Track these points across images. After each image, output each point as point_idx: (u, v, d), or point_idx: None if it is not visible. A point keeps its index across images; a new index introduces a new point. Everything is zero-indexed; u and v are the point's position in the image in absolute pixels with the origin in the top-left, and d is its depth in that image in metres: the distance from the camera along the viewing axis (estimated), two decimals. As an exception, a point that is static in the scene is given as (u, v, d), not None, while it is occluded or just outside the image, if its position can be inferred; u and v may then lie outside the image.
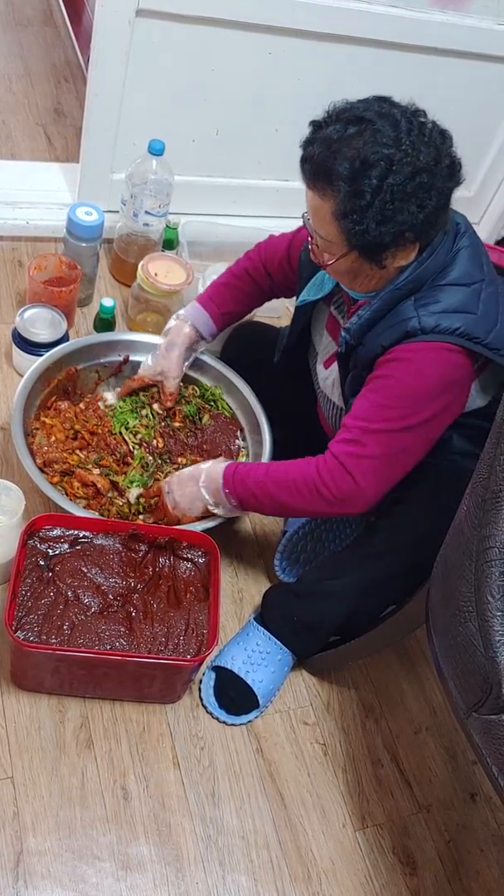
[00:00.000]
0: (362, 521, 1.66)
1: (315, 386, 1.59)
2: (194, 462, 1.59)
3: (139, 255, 1.95)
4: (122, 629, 1.34)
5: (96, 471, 1.57)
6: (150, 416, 1.67)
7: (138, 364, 1.71)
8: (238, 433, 1.71)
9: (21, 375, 1.64)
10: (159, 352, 1.65)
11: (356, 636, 1.46)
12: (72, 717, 1.38)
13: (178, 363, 1.64)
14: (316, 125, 1.23)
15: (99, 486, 1.54)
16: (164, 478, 1.55)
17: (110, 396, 1.75)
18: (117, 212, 2.01)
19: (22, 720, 1.36)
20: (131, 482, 1.58)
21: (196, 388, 1.74)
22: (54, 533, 1.40)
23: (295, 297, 1.53)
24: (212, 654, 1.46)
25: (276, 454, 1.59)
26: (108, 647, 1.31)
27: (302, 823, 1.38)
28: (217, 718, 1.44)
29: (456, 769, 1.51)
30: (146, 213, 1.95)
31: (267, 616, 1.48)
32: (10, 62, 2.57)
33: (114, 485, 1.57)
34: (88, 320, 1.97)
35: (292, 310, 1.59)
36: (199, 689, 1.46)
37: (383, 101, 1.22)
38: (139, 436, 1.64)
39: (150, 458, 1.62)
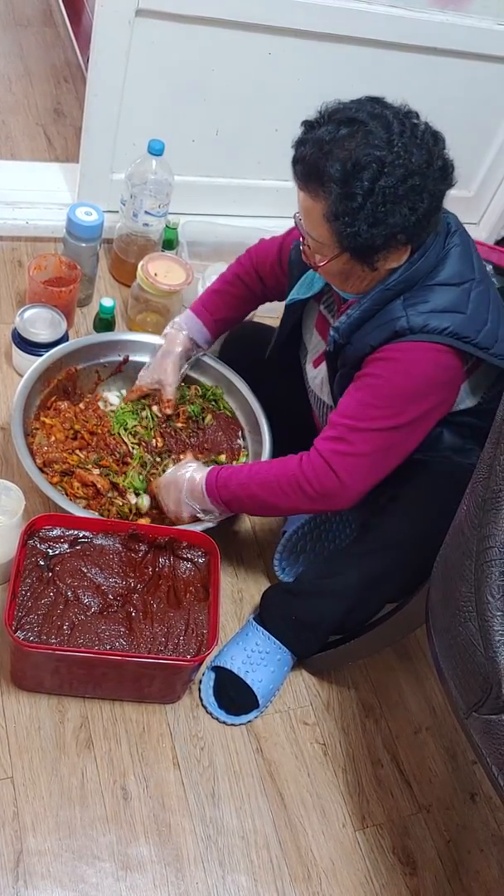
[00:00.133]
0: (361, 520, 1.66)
1: (306, 385, 1.60)
2: (195, 459, 1.60)
3: (139, 256, 1.95)
4: (122, 629, 1.34)
5: (96, 471, 1.57)
6: (150, 417, 1.67)
7: (138, 364, 1.72)
8: (239, 433, 1.71)
9: (21, 375, 1.64)
10: (155, 361, 1.66)
11: (356, 635, 1.46)
12: (72, 717, 1.38)
13: (174, 372, 1.64)
14: (308, 125, 1.23)
15: (99, 486, 1.54)
16: (161, 474, 1.56)
17: (111, 396, 1.75)
18: (117, 212, 2.01)
19: (22, 720, 1.36)
20: (131, 483, 1.58)
21: (198, 387, 1.74)
22: (54, 533, 1.40)
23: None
24: (212, 654, 1.46)
25: (276, 454, 1.59)
26: (108, 647, 1.31)
27: (302, 823, 1.38)
28: (217, 718, 1.44)
29: (456, 769, 1.51)
30: (146, 213, 1.95)
31: (266, 616, 1.48)
32: (9, 62, 2.57)
33: (114, 485, 1.57)
34: (88, 320, 1.97)
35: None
36: (199, 689, 1.46)
37: (376, 101, 1.21)
38: (138, 436, 1.64)
39: (149, 457, 1.62)
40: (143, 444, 1.63)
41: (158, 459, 1.62)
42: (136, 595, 1.38)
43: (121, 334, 1.81)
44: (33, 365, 1.61)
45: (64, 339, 1.74)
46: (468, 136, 2.22)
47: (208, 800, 1.36)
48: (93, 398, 1.72)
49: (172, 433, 1.66)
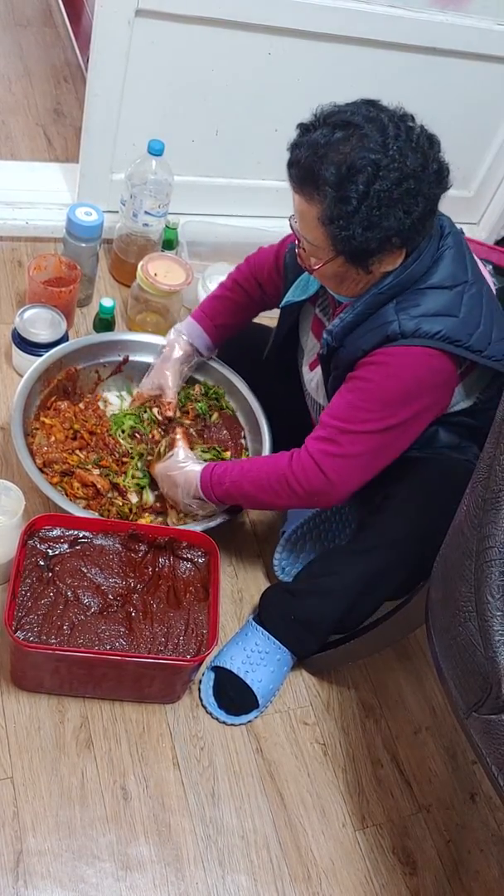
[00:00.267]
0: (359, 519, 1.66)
1: (303, 386, 1.60)
2: (188, 445, 1.60)
3: (139, 256, 1.95)
4: (122, 629, 1.34)
5: (96, 471, 1.57)
6: (151, 418, 1.67)
7: (138, 364, 1.72)
8: (242, 433, 1.72)
9: (21, 376, 1.64)
10: (155, 366, 1.67)
11: (355, 634, 1.46)
12: (71, 717, 1.38)
13: (174, 376, 1.65)
14: (303, 128, 1.22)
15: (99, 486, 1.54)
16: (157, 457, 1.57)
17: (111, 397, 1.75)
18: (117, 212, 2.01)
19: (22, 720, 1.36)
20: (132, 478, 1.58)
21: (201, 386, 1.75)
22: (54, 533, 1.40)
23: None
24: (211, 654, 1.46)
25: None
26: (108, 648, 1.31)
27: (302, 823, 1.38)
28: (217, 718, 1.44)
29: (456, 769, 1.51)
30: (146, 213, 1.95)
31: (265, 616, 1.48)
32: (9, 62, 2.57)
33: (114, 485, 1.57)
34: (88, 320, 1.97)
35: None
36: (199, 689, 1.46)
37: (371, 104, 1.21)
38: (137, 434, 1.64)
39: (146, 447, 1.62)
40: (142, 437, 1.63)
41: (153, 448, 1.62)
42: (136, 595, 1.38)
43: (121, 334, 1.81)
44: (33, 365, 1.62)
45: (64, 339, 1.74)
46: (468, 137, 2.23)
47: (208, 800, 1.36)
48: (93, 398, 1.72)
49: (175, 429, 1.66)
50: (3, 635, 1.39)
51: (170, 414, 1.65)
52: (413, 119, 1.22)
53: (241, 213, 2.20)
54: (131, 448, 1.63)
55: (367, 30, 1.92)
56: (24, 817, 1.27)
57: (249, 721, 1.45)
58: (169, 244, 2.07)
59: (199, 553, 1.45)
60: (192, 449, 1.59)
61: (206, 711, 1.44)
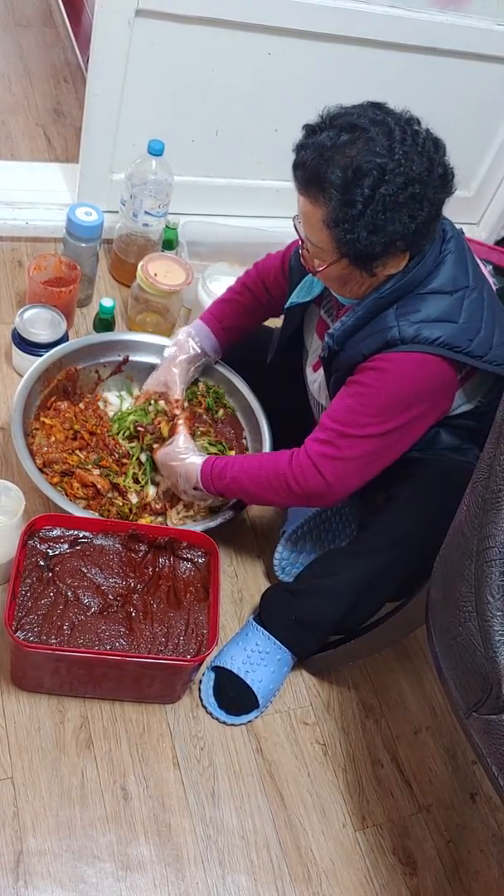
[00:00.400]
0: (360, 519, 1.67)
1: (306, 387, 1.60)
2: (189, 432, 1.59)
3: (139, 256, 1.95)
4: (122, 629, 1.34)
5: (96, 471, 1.57)
6: (157, 409, 1.64)
7: (138, 364, 1.72)
8: (242, 432, 1.72)
9: (21, 376, 1.64)
10: (162, 365, 1.66)
11: (356, 635, 1.46)
12: (71, 717, 1.38)
13: (181, 376, 1.64)
14: (309, 130, 1.22)
15: (99, 486, 1.54)
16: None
17: (111, 397, 1.75)
18: (117, 212, 2.01)
19: (22, 720, 1.36)
20: (132, 481, 1.58)
21: (204, 384, 1.74)
22: (54, 533, 1.40)
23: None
24: (211, 654, 1.46)
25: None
26: (108, 648, 1.31)
27: (302, 823, 1.38)
28: (217, 719, 1.44)
29: (456, 769, 1.51)
30: (146, 213, 1.95)
31: (265, 616, 1.48)
32: (9, 62, 2.57)
33: (114, 485, 1.57)
34: (88, 320, 1.97)
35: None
36: (199, 689, 1.46)
37: (377, 107, 1.21)
38: (140, 426, 1.62)
39: (151, 437, 1.61)
40: (147, 429, 1.61)
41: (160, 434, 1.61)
42: (136, 595, 1.38)
43: (120, 334, 1.81)
44: (33, 365, 1.61)
45: (64, 339, 1.74)
46: (468, 137, 2.23)
47: (208, 800, 1.36)
48: (93, 398, 1.72)
49: (192, 415, 1.66)
50: (3, 635, 1.39)
51: (177, 412, 1.64)
52: (419, 122, 1.22)
53: (241, 213, 2.20)
54: (131, 448, 1.63)
55: (367, 30, 1.92)
56: (24, 817, 1.27)
57: (249, 721, 1.45)
58: (169, 244, 2.07)
59: (199, 553, 1.45)
60: (193, 436, 1.58)
61: (207, 711, 1.44)
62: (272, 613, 1.47)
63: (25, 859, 1.24)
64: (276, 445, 1.62)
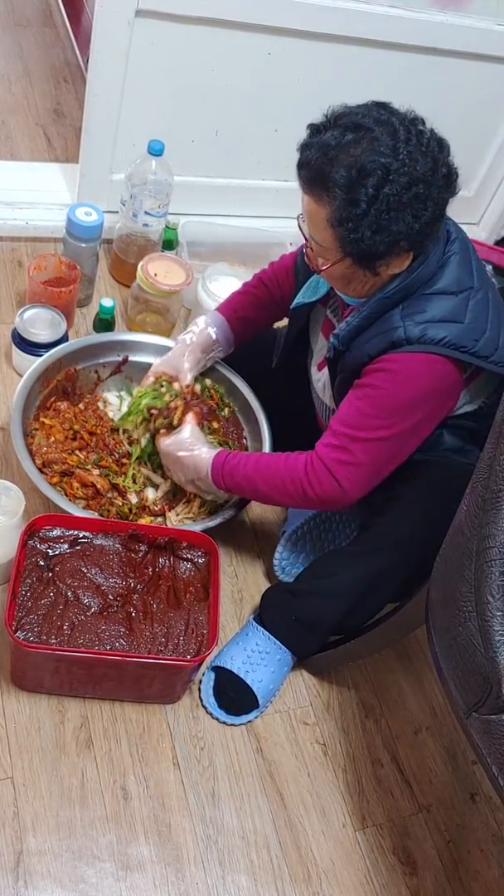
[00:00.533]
0: (361, 520, 1.67)
1: (311, 387, 1.60)
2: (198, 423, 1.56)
3: (139, 256, 1.95)
4: (122, 629, 1.34)
5: (96, 471, 1.57)
6: (173, 393, 1.60)
7: (137, 364, 1.72)
8: (242, 432, 1.72)
9: (21, 376, 1.64)
10: (175, 349, 1.63)
11: (356, 634, 1.46)
12: (71, 717, 1.38)
13: (192, 362, 1.61)
14: (314, 129, 1.23)
15: (98, 486, 1.54)
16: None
17: (110, 397, 1.75)
18: (117, 212, 2.01)
19: (22, 720, 1.36)
20: (131, 482, 1.58)
21: (201, 385, 1.74)
22: (54, 533, 1.40)
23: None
24: (211, 654, 1.46)
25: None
26: (108, 648, 1.31)
27: (302, 823, 1.38)
28: (217, 718, 1.44)
29: (456, 769, 1.51)
30: (146, 213, 1.95)
31: (265, 616, 1.48)
32: (9, 63, 2.57)
33: (113, 485, 1.57)
34: (88, 321, 1.97)
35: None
36: (199, 690, 1.46)
37: (382, 107, 1.21)
38: (154, 408, 1.58)
39: (158, 423, 1.57)
40: (161, 412, 1.57)
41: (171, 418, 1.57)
42: (136, 595, 1.38)
43: (120, 334, 1.81)
44: (32, 365, 1.61)
45: (64, 339, 1.74)
46: (468, 137, 2.22)
47: (208, 800, 1.36)
48: (92, 399, 1.72)
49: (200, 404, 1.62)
50: (3, 635, 1.39)
51: (188, 398, 1.62)
52: (423, 122, 1.22)
53: (241, 214, 2.20)
54: (132, 449, 1.63)
55: (367, 30, 1.92)
56: (24, 817, 1.27)
57: (249, 721, 1.45)
58: (169, 244, 2.07)
59: (199, 553, 1.45)
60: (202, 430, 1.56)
61: (207, 711, 1.44)
62: (272, 613, 1.47)
63: (25, 859, 1.24)
64: (276, 445, 1.62)
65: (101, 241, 1.92)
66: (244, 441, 1.71)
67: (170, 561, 1.44)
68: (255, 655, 1.45)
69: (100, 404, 1.71)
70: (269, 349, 1.68)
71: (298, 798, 1.40)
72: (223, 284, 1.88)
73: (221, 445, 1.66)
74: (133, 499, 1.58)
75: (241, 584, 1.63)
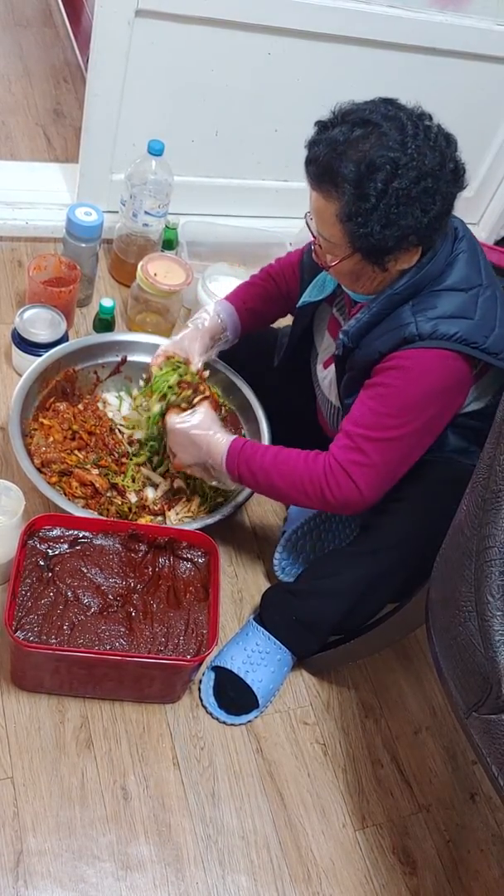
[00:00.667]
0: (361, 520, 1.66)
1: (315, 385, 1.60)
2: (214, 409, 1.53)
3: (138, 256, 1.95)
4: (122, 629, 1.34)
5: (95, 470, 1.57)
6: (189, 374, 1.56)
7: (137, 364, 1.71)
8: (241, 431, 1.72)
9: (20, 376, 1.64)
10: (186, 333, 1.59)
11: (356, 635, 1.46)
12: (71, 717, 1.38)
13: (201, 346, 1.58)
14: (321, 126, 1.23)
15: (97, 485, 1.54)
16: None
17: (109, 397, 1.75)
18: (117, 212, 2.01)
19: (22, 720, 1.36)
20: (131, 482, 1.58)
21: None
22: (54, 533, 1.40)
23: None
24: (211, 654, 1.46)
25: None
26: (108, 648, 1.31)
27: (302, 823, 1.38)
28: (217, 718, 1.44)
29: (456, 769, 1.51)
30: (145, 213, 1.95)
31: (265, 616, 1.48)
32: (9, 63, 2.57)
33: (112, 485, 1.57)
34: (88, 321, 1.97)
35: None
36: (199, 689, 1.46)
37: (389, 103, 1.22)
38: (185, 383, 1.53)
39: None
40: (189, 385, 1.52)
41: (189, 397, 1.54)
42: (136, 595, 1.38)
43: (120, 335, 1.81)
44: (31, 365, 1.61)
45: (63, 339, 1.74)
46: (468, 137, 2.18)
47: (208, 800, 1.36)
48: (92, 399, 1.72)
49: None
50: (3, 635, 1.39)
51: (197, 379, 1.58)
52: (430, 118, 1.23)
53: (240, 214, 2.21)
54: (132, 451, 1.63)
55: (367, 30, 1.92)
56: (24, 817, 1.27)
57: (249, 721, 1.45)
58: (169, 244, 2.07)
59: (199, 553, 1.45)
60: None
61: (207, 711, 1.44)
62: (273, 613, 1.47)
63: (25, 859, 1.24)
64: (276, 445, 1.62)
65: (101, 241, 1.92)
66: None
67: (170, 561, 1.44)
68: (255, 655, 1.45)
69: (99, 405, 1.72)
70: (269, 349, 1.68)
71: (298, 798, 1.40)
72: (223, 284, 1.88)
73: None
74: (132, 498, 1.58)
75: (241, 584, 1.63)
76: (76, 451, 1.59)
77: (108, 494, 1.56)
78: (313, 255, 1.35)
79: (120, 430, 1.68)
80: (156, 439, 1.61)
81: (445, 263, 1.29)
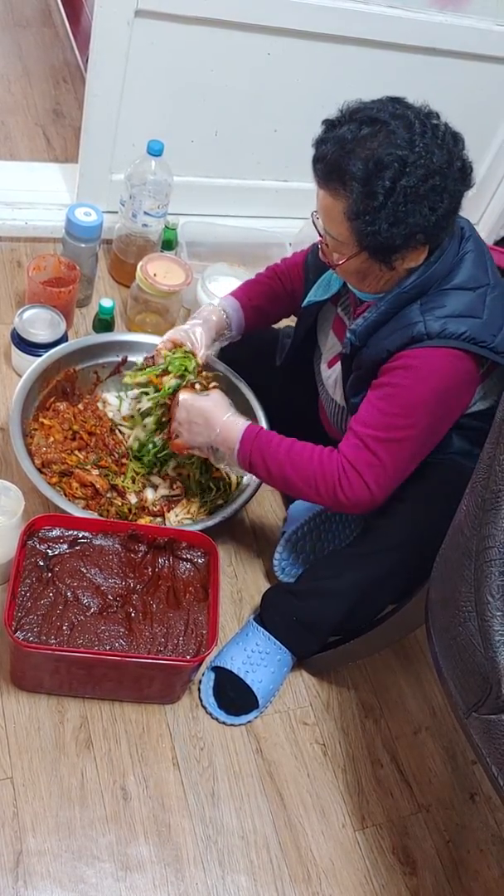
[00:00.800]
0: (362, 521, 1.66)
1: (318, 385, 1.60)
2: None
3: (138, 256, 1.95)
4: (122, 629, 1.34)
5: (95, 471, 1.57)
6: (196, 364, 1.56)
7: (136, 365, 1.71)
8: None
9: (20, 376, 1.64)
10: (192, 325, 1.58)
11: (356, 635, 1.46)
12: (71, 717, 1.38)
13: (208, 340, 1.57)
14: (329, 124, 1.23)
15: (97, 486, 1.54)
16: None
17: (110, 397, 1.75)
18: (116, 212, 2.01)
19: (21, 720, 1.36)
20: (133, 479, 1.58)
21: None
22: (54, 533, 1.40)
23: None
24: (211, 654, 1.46)
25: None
26: (108, 648, 1.31)
27: (302, 823, 1.38)
28: (216, 719, 1.44)
29: (455, 769, 1.51)
30: (145, 213, 1.95)
31: (266, 616, 1.48)
32: (9, 63, 2.57)
33: (112, 485, 1.57)
34: (87, 321, 1.97)
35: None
36: (199, 690, 1.46)
37: (397, 102, 1.22)
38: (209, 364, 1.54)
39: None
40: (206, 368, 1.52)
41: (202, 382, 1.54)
42: (136, 595, 1.38)
43: (120, 335, 1.81)
44: (32, 366, 1.61)
45: (63, 339, 1.74)
46: (467, 137, 2.19)
47: (208, 800, 1.36)
48: (92, 399, 1.72)
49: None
50: (2, 635, 1.39)
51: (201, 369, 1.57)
52: (438, 116, 1.23)
53: (240, 214, 2.20)
54: (130, 449, 1.63)
55: (366, 30, 1.92)
56: (23, 817, 1.27)
57: (249, 721, 1.45)
58: (168, 244, 2.07)
59: (199, 553, 1.45)
60: None
61: (206, 712, 1.44)
62: (273, 614, 1.47)
63: (25, 859, 1.24)
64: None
65: (101, 242, 1.92)
66: None
67: (169, 561, 1.44)
68: (255, 656, 1.45)
69: (99, 405, 1.72)
70: (270, 349, 1.68)
71: (298, 798, 1.40)
72: (223, 284, 1.88)
73: None
74: (132, 499, 1.58)
75: (241, 584, 1.63)
76: (76, 452, 1.59)
77: (108, 495, 1.56)
78: (320, 253, 1.35)
79: (120, 430, 1.68)
80: (151, 438, 1.61)
81: (453, 262, 1.29)
